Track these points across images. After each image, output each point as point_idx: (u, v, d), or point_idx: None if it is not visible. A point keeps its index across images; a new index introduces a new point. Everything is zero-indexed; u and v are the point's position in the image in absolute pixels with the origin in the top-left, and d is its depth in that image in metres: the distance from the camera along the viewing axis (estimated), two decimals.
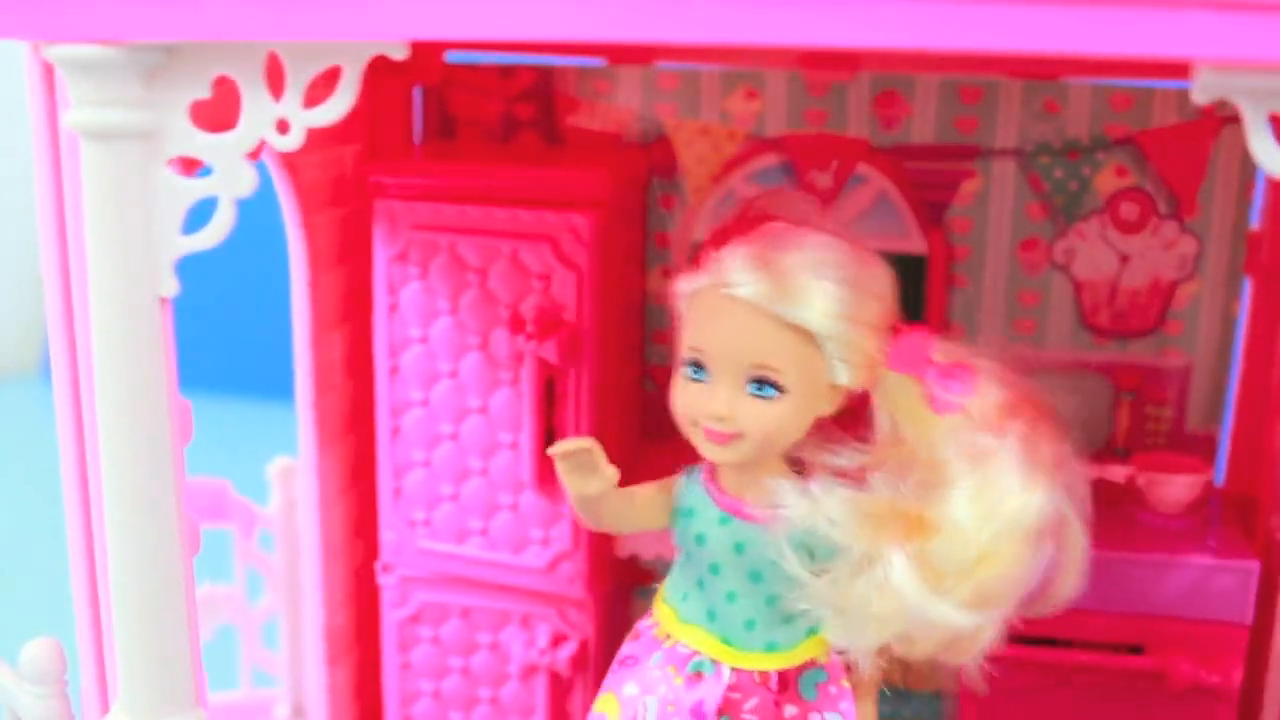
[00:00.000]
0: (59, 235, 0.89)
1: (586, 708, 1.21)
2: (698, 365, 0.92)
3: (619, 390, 1.33)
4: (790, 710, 0.97)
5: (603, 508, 0.99)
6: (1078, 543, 0.92)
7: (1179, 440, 1.33)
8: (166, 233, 0.82)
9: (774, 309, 0.89)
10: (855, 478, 0.92)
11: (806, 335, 0.89)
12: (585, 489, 0.96)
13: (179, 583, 0.87)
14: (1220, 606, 1.18)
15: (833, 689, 0.98)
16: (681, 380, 0.94)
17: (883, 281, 0.93)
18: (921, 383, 0.91)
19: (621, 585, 1.36)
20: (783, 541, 0.92)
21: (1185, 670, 1.18)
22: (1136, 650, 1.20)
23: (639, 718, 0.97)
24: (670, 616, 0.99)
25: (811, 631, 0.96)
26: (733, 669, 0.96)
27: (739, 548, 0.95)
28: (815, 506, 0.91)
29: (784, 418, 0.91)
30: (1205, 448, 1.33)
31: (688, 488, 0.99)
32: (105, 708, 0.96)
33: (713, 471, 0.98)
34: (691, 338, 0.93)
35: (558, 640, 1.31)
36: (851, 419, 0.95)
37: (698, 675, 0.96)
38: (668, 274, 1.38)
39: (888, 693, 1.05)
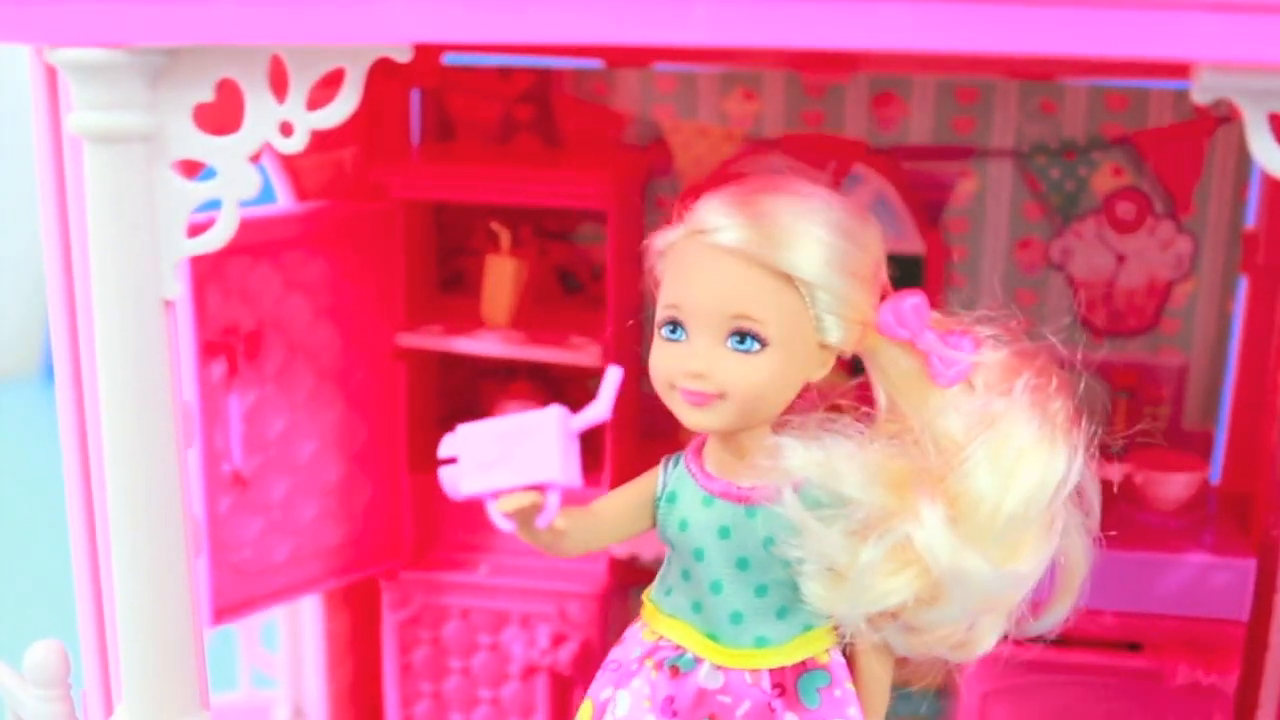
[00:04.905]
0: (61, 239, 0.88)
1: None
2: (674, 324, 0.84)
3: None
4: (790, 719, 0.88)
5: (564, 543, 0.87)
6: (1083, 527, 0.87)
7: (1176, 438, 1.33)
8: (170, 235, 0.82)
9: (757, 255, 0.80)
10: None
11: (792, 286, 0.81)
12: (534, 540, 0.85)
13: (183, 584, 0.87)
14: (1217, 604, 1.18)
15: (837, 692, 0.88)
16: (657, 343, 0.85)
17: (873, 234, 0.85)
18: (918, 353, 0.85)
19: (621, 584, 1.36)
20: (787, 494, 0.82)
21: (1182, 668, 1.18)
22: (1134, 648, 1.21)
23: (609, 713, 0.90)
24: (654, 612, 0.91)
25: (807, 628, 0.87)
26: (718, 667, 0.87)
27: (724, 531, 0.86)
28: (826, 459, 0.82)
29: (767, 374, 0.82)
30: (1201, 446, 1.34)
31: (670, 474, 0.90)
32: (109, 710, 0.96)
33: (698, 451, 0.89)
34: (667, 294, 0.84)
35: (558, 640, 1.31)
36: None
37: (675, 670, 0.88)
38: None
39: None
